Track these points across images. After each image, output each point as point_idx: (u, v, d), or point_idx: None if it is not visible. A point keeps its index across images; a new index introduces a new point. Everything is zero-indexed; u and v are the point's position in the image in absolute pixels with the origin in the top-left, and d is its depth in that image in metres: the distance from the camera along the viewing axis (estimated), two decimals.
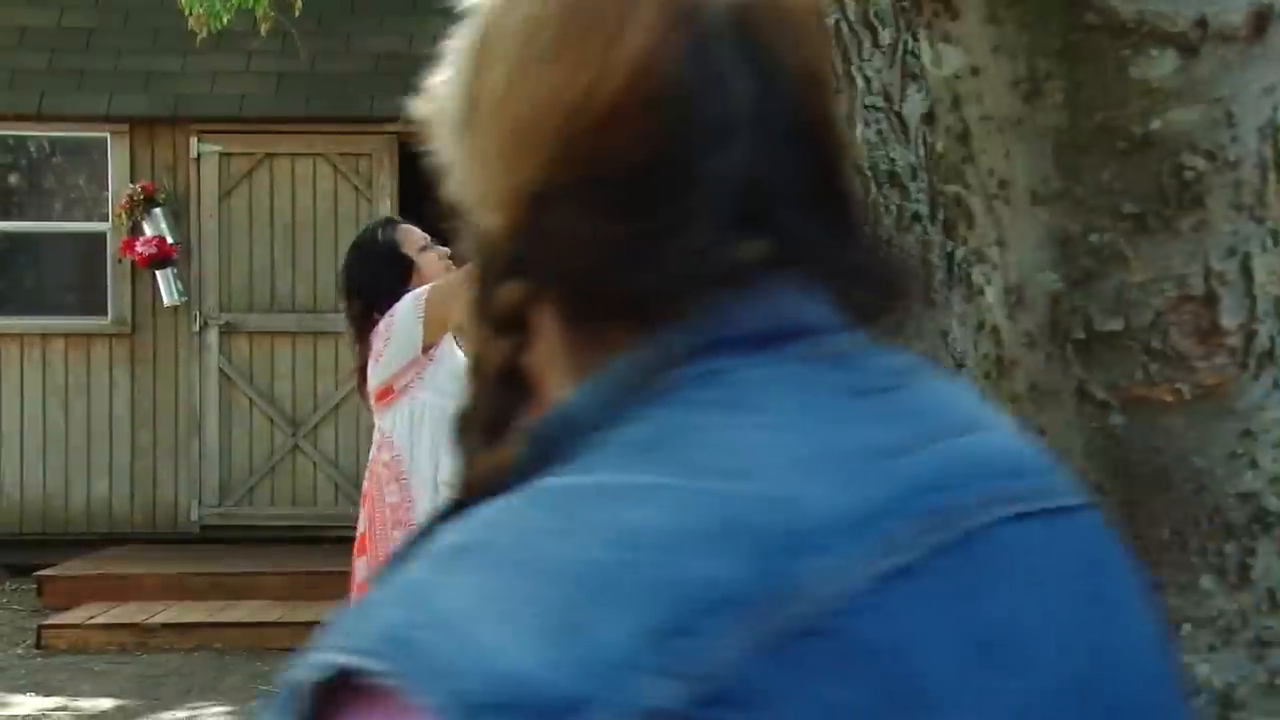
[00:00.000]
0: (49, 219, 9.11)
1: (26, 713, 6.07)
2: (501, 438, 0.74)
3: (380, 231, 4.33)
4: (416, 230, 4.26)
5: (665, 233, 0.71)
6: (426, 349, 3.90)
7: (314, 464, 8.97)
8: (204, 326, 8.85)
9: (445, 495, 1.47)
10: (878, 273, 0.76)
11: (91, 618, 7.35)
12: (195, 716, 6.04)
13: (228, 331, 8.91)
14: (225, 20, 8.06)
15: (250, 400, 8.94)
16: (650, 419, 0.68)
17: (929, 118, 1.19)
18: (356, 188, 8.94)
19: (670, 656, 0.56)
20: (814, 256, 0.73)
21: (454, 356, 3.91)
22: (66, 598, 7.63)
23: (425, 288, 3.99)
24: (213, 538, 8.87)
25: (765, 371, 0.70)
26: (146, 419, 8.91)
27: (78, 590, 7.69)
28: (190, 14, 7.97)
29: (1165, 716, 0.73)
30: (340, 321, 8.80)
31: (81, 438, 8.75)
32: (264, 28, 8.21)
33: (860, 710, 0.59)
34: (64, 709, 6.12)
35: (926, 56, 1.19)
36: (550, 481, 0.65)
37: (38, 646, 6.97)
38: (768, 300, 0.71)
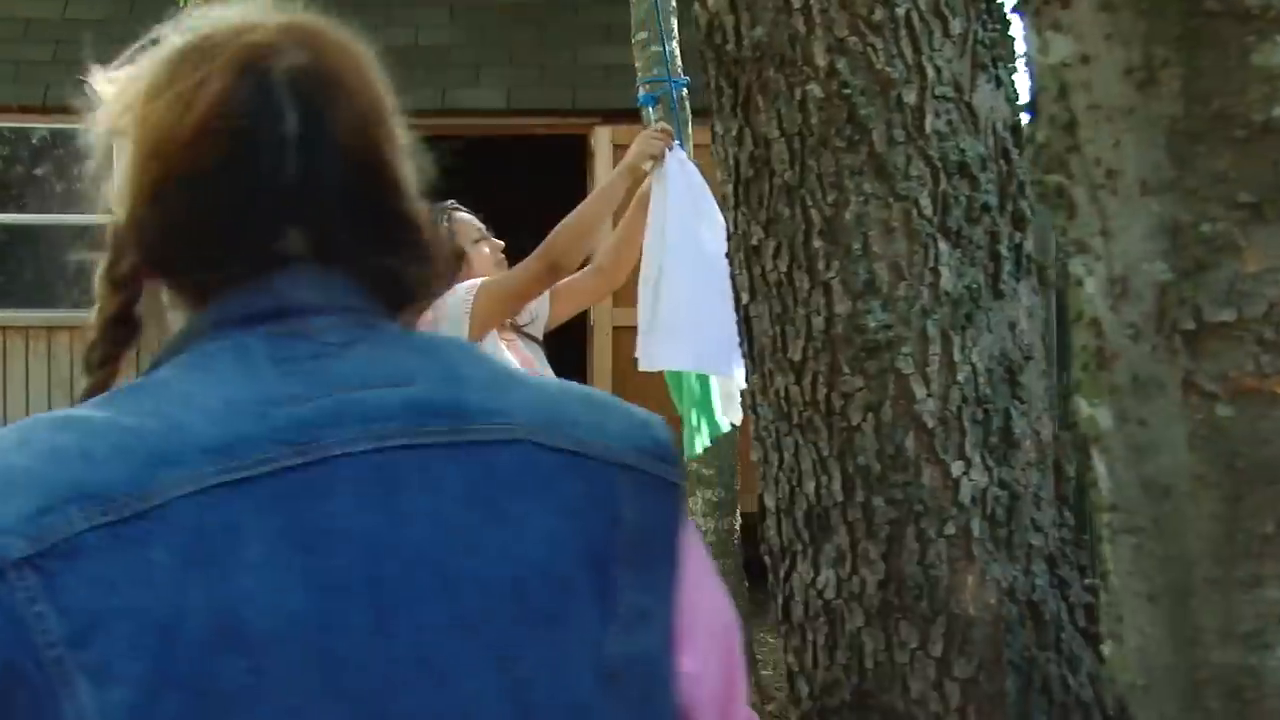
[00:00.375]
0: (52, 211, 9.08)
1: None
2: (110, 369, 1.09)
3: (438, 219, 4.28)
4: (473, 222, 4.24)
5: (222, 226, 1.02)
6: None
7: None
8: None
9: None
10: (404, 276, 1.07)
11: None
12: None
13: None
14: None
15: None
16: (152, 373, 1.02)
17: (1029, 106, 1.18)
18: None
19: (31, 526, 0.87)
20: (348, 256, 1.04)
21: (497, 352, 3.90)
22: None
23: (474, 282, 3.98)
24: None
25: (228, 343, 1.00)
26: None
27: None
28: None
29: (494, 618, 0.95)
30: None
31: None
32: None
33: (171, 566, 0.88)
34: None
35: (1032, 45, 1.18)
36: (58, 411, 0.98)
37: None
38: (282, 285, 1.02)
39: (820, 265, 2.38)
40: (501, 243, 4.18)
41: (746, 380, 2.64)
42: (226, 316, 1.01)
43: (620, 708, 0.99)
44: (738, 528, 5.70)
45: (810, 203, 2.37)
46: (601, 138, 8.72)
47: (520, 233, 6.61)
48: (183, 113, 1.02)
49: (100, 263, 1.11)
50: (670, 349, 4.26)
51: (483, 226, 4.24)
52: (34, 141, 9.18)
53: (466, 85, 8.94)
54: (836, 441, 2.40)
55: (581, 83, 8.94)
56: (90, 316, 1.10)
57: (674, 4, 6.03)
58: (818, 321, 2.40)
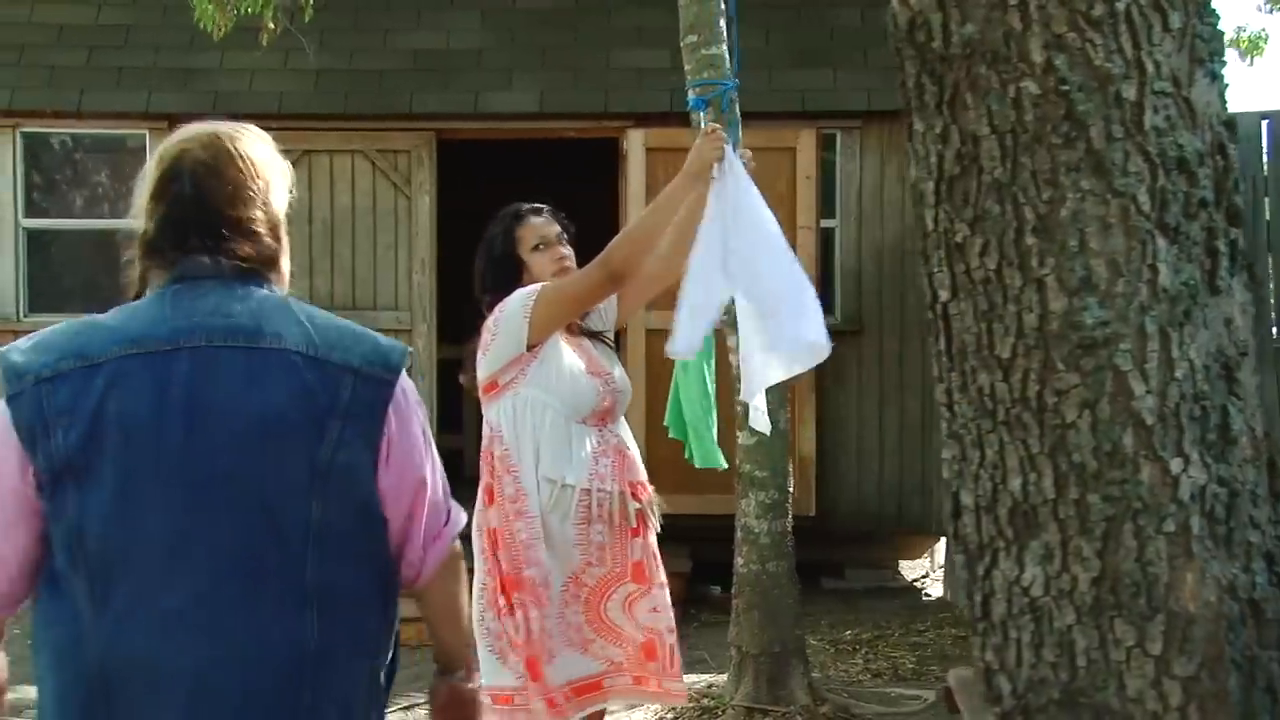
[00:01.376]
0: (87, 216, 9.02)
1: None
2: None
3: (503, 224, 4.25)
4: (539, 229, 4.17)
5: (166, 234, 2.11)
6: (531, 347, 3.86)
7: None
8: None
9: (546, 488, 3.71)
10: (250, 259, 2.11)
11: None
12: None
13: None
14: (226, 28, 7.99)
15: None
16: (134, 302, 2.13)
17: None
18: (395, 184, 8.88)
19: (49, 365, 2.01)
20: (219, 249, 2.09)
21: (559, 355, 3.87)
22: None
23: (535, 287, 3.94)
24: None
25: (164, 291, 2.09)
26: None
27: None
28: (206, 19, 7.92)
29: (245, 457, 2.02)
30: (377, 319, 8.80)
31: None
32: (264, 38, 8.12)
33: (102, 388, 1.99)
34: None
35: None
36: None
37: None
38: (185, 264, 2.09)
39: (1033, 262, 2.37)
40: (567, 251, 4.12)
41: (941, 378, 2.63)
42: (168, 279, 2.09)
43: (330, 491, 2.03)
44: (789, 529, 5.69)
45: (1023, 199, 2.37)
46: (634, 140, 8.71)
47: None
48: (152, 181, 2.14)
49: (132, 253, 2.16)
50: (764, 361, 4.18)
51: (556, 232, 4.17)
52: (68, 145, 9.12)
53: (499, 89, 8.90)
54: (1048, 438, 2.40)
55: (614, 85, 8.92)
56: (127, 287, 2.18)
57: (723, 6, 5.99)
58: (1029, 319, 2.39)
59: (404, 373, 2.13)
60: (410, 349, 2.20)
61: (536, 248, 4.11)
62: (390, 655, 2.24)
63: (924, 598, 8.73)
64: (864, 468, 8.99)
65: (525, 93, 8.91)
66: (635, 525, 3.88)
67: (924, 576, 9.33)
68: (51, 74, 8.84)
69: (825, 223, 8.78)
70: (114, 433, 1.96)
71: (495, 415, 3.94)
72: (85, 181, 9.22)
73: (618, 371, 4.13)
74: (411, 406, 2.14)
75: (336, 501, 2.03)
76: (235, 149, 2.13)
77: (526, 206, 4.16)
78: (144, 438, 1.97)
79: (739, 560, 5.64)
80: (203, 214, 2.09)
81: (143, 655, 1.96)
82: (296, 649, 2.02)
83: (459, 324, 7.00)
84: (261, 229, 2.13)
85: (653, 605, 3.85)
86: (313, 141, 8.84)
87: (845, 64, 8.96)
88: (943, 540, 8.61)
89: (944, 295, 2.53)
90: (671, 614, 3.91)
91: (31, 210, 8.85)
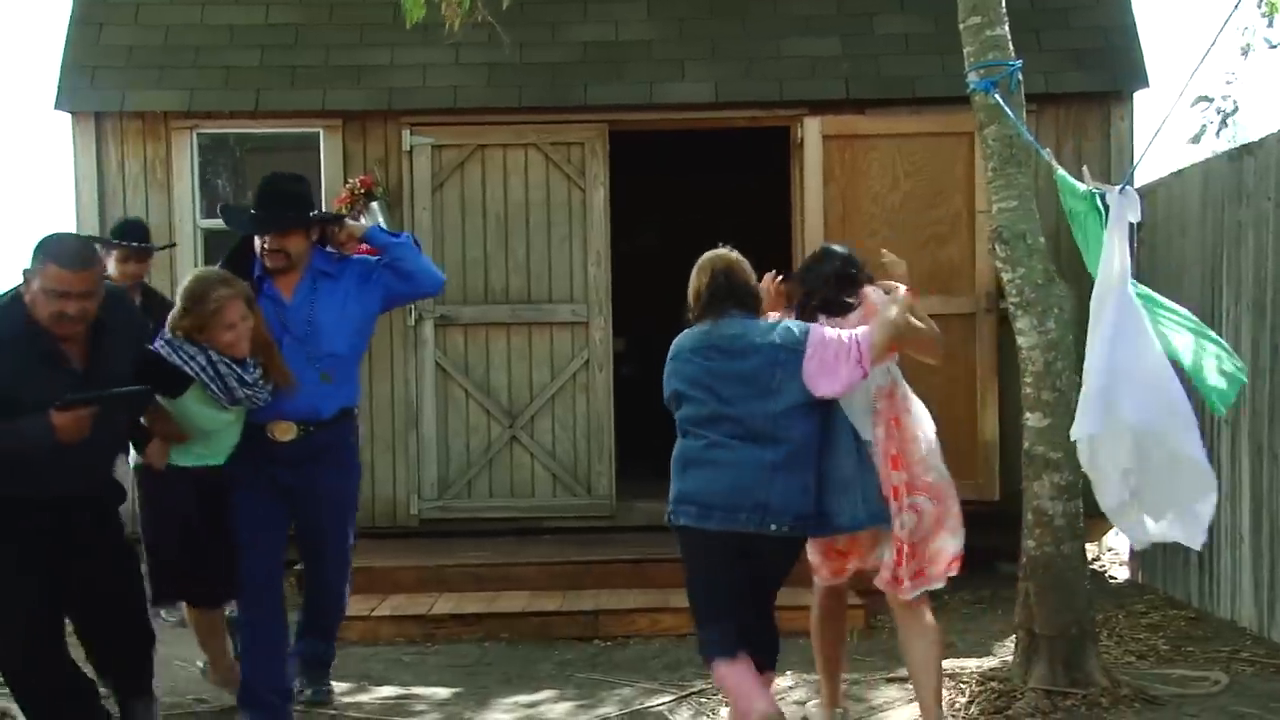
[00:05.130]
0: None
1: (382, 698, 6.07)
2: None
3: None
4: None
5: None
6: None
7: (531, 455, 8.93)
8: (419, 320, 8.81)
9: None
10: None
11: (372, 610, 7.31)
12: (536, 701, 6.02)
13: (443, 324, 8.87)
14: (420, 13, 8.01)
15: (466, 392, 8.91)
16: None
17: None
18: (568, 176, 8.90)
19: None
20: None
21: None
22: None
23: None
24: (431, 531, 8.84)
25: None
26: (363, 414, 8.82)
27: None
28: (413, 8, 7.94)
29: None
30: (554, 312, 8.84)
31: None
32: (455, 24, 8.14)
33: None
34: (410, 696, 6.10)
35: None
36: None
37: None
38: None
39: None
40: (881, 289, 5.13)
41: None
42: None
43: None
44: (1081, 510, 5.70)
45: None
46: (811, 128, 8.71)
47: (724, 221, 6.71)
48: None
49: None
50: None
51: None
52: (244, 145, 9.17)
53: (672, 79, 8.91)
54: None
55: (787, 74, 8.92)
56: None
57: None
58: None
59: None
60: None
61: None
62: None
63: (1109, 580, 8.74)
64: None
65: (699, 83, 8.93)
66: None
67: (1095, 560, 9.32)
68: (227, 75, 8.88)
69: None
70: None
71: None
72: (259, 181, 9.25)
73: None
74: None
75: None
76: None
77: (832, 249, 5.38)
78: None
79: (1030, 543, 5.65)
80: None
81: None
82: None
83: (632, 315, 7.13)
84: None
85: None
86: (486, 136, 8.88)
87: (1018, 47, 8.93)
88: None
89: None
90: None
91: (209, 211, 8.88)
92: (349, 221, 6.11)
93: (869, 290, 5.08)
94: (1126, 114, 8.89)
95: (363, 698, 6.12)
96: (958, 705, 5.50)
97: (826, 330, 4.79)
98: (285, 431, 5.43)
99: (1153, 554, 7.95)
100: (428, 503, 8.89)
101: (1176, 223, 7.76)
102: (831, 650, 5.30)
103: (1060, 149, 8.88)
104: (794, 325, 4.82)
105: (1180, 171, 7.95)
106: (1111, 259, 4.48)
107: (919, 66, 8.93)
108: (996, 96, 5.64)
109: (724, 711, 5.65)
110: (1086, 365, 4.51)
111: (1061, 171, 5.28)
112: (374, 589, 7.61)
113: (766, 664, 4.82)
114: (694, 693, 5.99)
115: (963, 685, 5.70)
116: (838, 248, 5.27)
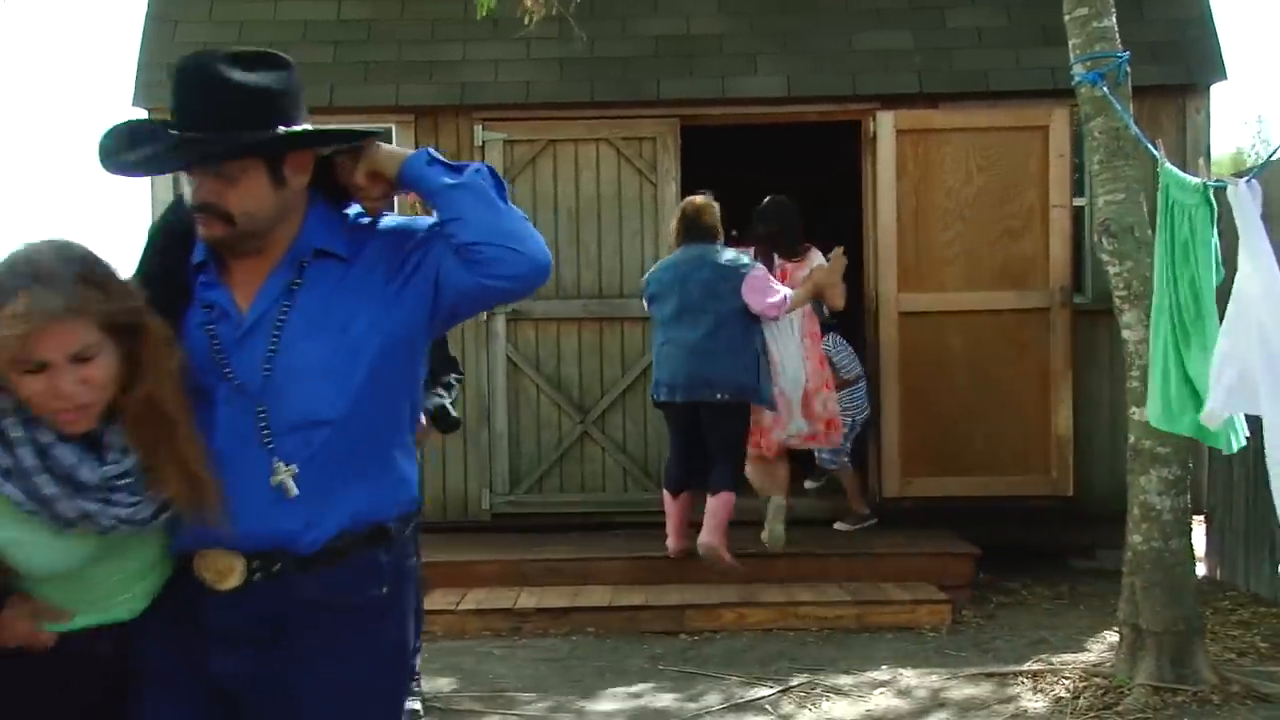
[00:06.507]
0: None
1: (482, 693, 6.08)
2: None
3: None
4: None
5: None
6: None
7: (603, 450, 8.93)
8: (491, 315, 8.81)
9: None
10: None
11: (456, 604, 7.33)
12: (637, 693, 6.02)
13: (514, 319, 8.87)
14: (491, 2, 8.03)
15: (538, 388, 8.92)
16: None
17: None
18: (640, 171, 8.90)
19: None
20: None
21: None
22: None
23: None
24: (504, 525, 8.85)
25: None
26: None
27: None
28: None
29: None
30: (625, 307, 8.84)
31: None
32: (535, 17, 8.16)
33: None
34: (501, 693, 6.11)
35: None
36: None
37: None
38: None
39: None
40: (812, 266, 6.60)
41: None
42: None
43: None
44: (1189, 505, 5.67)
45: None
46: (884, 122, 8.69)
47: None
48: None
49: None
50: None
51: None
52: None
53: (744, 73, 8.89)
54: None
55: (859, 68, 8.91)
56: None
57: None
58: None
59: None
60: None
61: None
62: None
63: None
64: (1117, 448, 8.93)
65: (771, 77, 8.91)
66: None
67: None
68: (302, 71, 8.87)
69: (1075, 201, 8.74)
70: None
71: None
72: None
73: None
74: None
75: None
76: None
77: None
78: None
79: (1137, 538, 5.63)
80: None
81: None
82: None
83: None
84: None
85: None
86: (558, 130, 8.88)
87: None
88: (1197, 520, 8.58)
89: None
90: None
91: None
92: (377, 145, 2.74)
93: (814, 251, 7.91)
94: (1203, 107, 8.83)
95: (463, 689, 6.14)
96: (1063, 700, 5.49)
97: (772, 278, 7.45)
98: (222, 573, 2.59)
99: (1233, 551, 7.91)
100: (499, 497, 8.90)
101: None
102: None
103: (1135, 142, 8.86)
104: (744, 257, 7.43)
105: None
106: (1257, 252, 4.38)
107: (992, 60, 8.91)
108: (1104, 89, 5.60)
109: (825, 704, 5.65)
110: (1224, 352, 4.38)
111: (1169, 164, 5.25)
112: (455, 583, 7.62)
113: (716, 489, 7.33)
114: (794, 686, 5.98)
115: (1065, 680, 5.68)
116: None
